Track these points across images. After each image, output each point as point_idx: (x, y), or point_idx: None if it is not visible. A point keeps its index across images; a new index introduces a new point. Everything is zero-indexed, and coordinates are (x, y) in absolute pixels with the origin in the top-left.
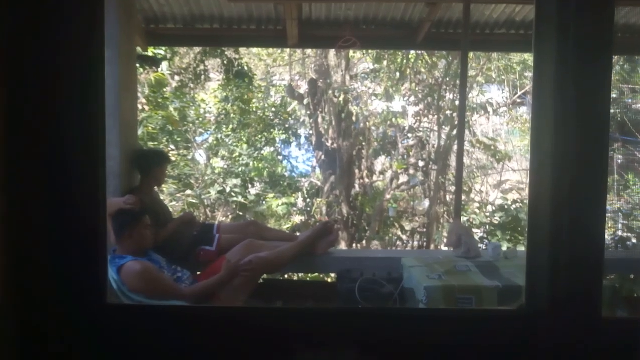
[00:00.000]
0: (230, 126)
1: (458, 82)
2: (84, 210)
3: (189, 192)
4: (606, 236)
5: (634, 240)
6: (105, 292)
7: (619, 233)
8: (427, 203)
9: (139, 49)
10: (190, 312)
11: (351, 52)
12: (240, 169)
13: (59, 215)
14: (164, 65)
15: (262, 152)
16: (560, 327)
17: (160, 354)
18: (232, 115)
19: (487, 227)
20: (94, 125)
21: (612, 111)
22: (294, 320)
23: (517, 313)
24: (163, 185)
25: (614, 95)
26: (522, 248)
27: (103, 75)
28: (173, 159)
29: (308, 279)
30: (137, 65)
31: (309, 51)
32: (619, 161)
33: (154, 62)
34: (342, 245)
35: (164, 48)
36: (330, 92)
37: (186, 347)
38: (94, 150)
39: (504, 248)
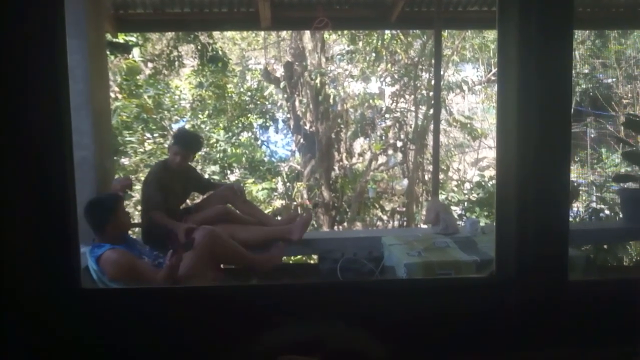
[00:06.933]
0: (206, 112)
1: (433, 61)
2: (54, 197)
3: None
4: (580, 208)
5: (607, 212)
6: (78, 276)
7: (593, 205)
8: (405, 182)
9: (108, 36)
10: (164, 292)
11: (326, 34)
12: (218, 155)
13: (30, 203)
14: (136, 51)
15: (240, 137)
16: (528, 292)
17: (134, 336)
18: (207, 101)
19: (465, 204)
20: (59, 113)
21: (584, 86)
22: (272, 296)
23: (488, 280)
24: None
25: (585, 71)
26: None
27: (66, 66)
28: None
29: (290, 262)
30: (108, 52)
31: (283, 34)
32: (592, 135)
33: (125, 48)
34: (324, 227)
35: (135, 34)
36: (307, 74)
37: (163, 327)
38: (62, 139)
39: (482, 224)
